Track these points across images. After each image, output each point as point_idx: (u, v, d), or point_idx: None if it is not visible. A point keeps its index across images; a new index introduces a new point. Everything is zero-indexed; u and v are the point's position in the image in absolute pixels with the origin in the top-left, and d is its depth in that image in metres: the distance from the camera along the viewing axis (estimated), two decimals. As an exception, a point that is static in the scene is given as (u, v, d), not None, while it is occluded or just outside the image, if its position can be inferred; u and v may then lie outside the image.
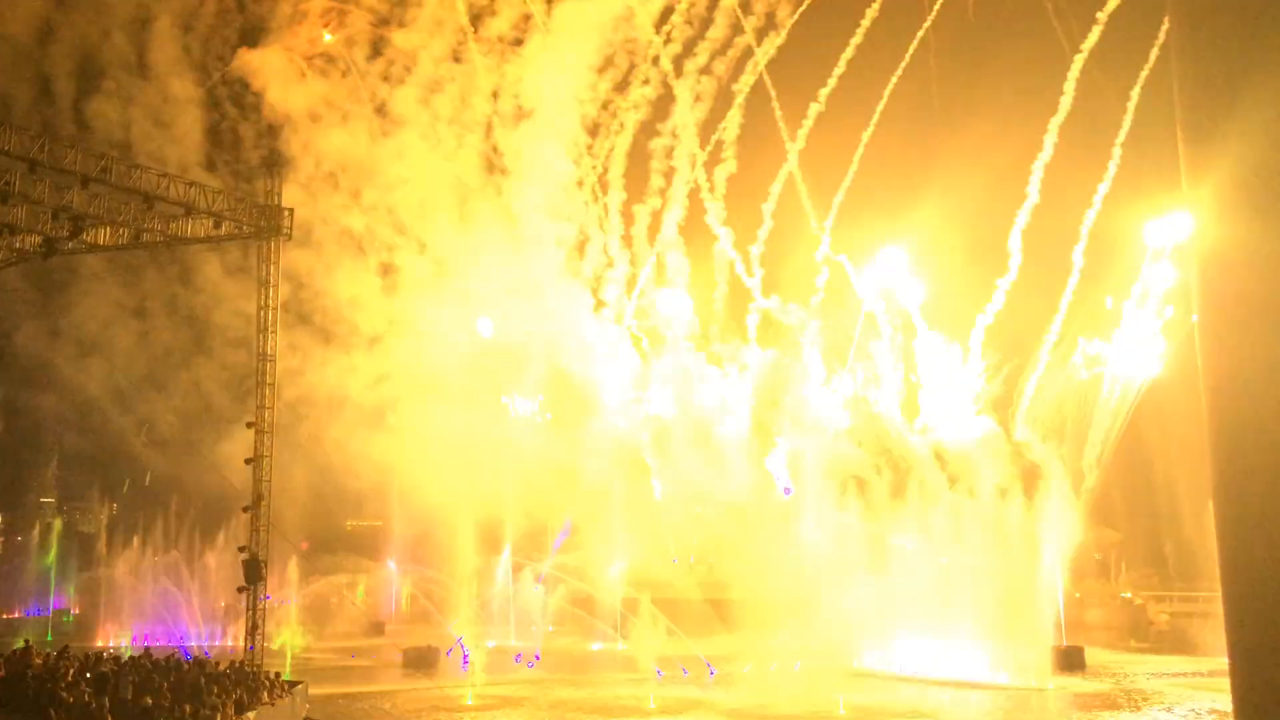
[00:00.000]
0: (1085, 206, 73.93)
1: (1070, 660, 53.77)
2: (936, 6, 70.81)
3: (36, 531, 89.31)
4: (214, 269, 67.43)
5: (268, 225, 41.38)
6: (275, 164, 42.18)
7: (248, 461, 41.21)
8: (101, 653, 40.84)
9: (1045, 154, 72.13)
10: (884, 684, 49.63)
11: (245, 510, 41.32)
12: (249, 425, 41.51)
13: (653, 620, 60.97)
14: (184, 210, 39.94)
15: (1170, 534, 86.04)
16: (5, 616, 75.96)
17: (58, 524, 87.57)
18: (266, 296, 41.95)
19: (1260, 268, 12.05)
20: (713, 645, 60.02)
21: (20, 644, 34.67)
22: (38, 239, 40.80)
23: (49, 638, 63.67)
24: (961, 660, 50.64)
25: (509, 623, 68.78)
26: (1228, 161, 12.55)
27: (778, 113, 75.13)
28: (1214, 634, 49.14)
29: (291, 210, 42.34)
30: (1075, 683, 50.44)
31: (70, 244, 41.29)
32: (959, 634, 51.26)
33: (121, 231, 41.78)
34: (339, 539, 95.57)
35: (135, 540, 73.26)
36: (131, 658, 35.56)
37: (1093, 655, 57.47)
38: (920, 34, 71.39)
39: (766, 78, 74.62)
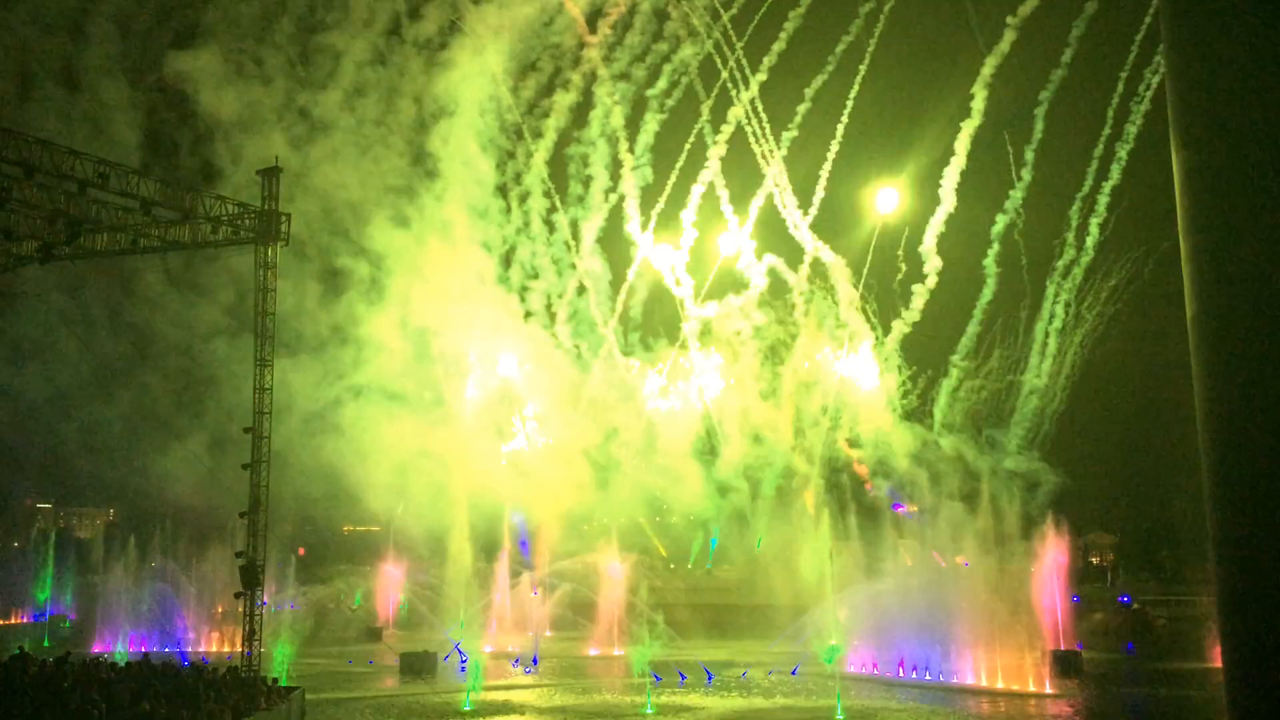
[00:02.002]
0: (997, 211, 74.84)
1: (1068, 665, 53.75)
2: (864, 11, 71.60)
3: (33, 536, 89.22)
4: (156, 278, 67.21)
5: (265, 230, 41.34)
6: (272, 169, 41.94)
7: (245, 466, 41.09)
8: (99, 659, 40.80)
9: (959, 159, 72.87)
10: (881, 688, 49.61)
11: (242, 516, 41.22)
12: (246, 431, 41.39)
13: (650, 625, 60.95)
14: (181, 216, 39.97)
15: (1168, 538, 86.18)
16: (1, 623, 75.81)
17: (54, 529, 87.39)
18: (264, 302, 41.88)
19: (1256, 264, 12.04)
20: (710, 650, 59.98)
21: (16, 650, 34.63)
22: (34, 244, 40.80)
23: (46, 644, 63.54)
24: (959, 664, 50.66)
25: (506, 627, 68.72)
26: (1222, 161, 12.57)
27: (705, 119, 75.72)
28: (1213, 637, 49.10)
29: (289, 215, 42.29)
30: (1073, 687, 50.39)
31: (67, 249, 41.29)
32: (956, 638, 51.26)
33: (119, 237, 41.76)
34: (336, 544, 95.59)
35: (132, 546, 73.16)
36: (129, 664, 35.51)
37: (1091, 659, 57.49)
38: (848, 39, 72.13)
39: (698, 84, 75.13)
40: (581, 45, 73.19)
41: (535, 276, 78.23)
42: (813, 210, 77.36)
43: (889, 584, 59.17)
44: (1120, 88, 70.17)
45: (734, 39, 73.72)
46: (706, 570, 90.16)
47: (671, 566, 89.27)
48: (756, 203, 78.13)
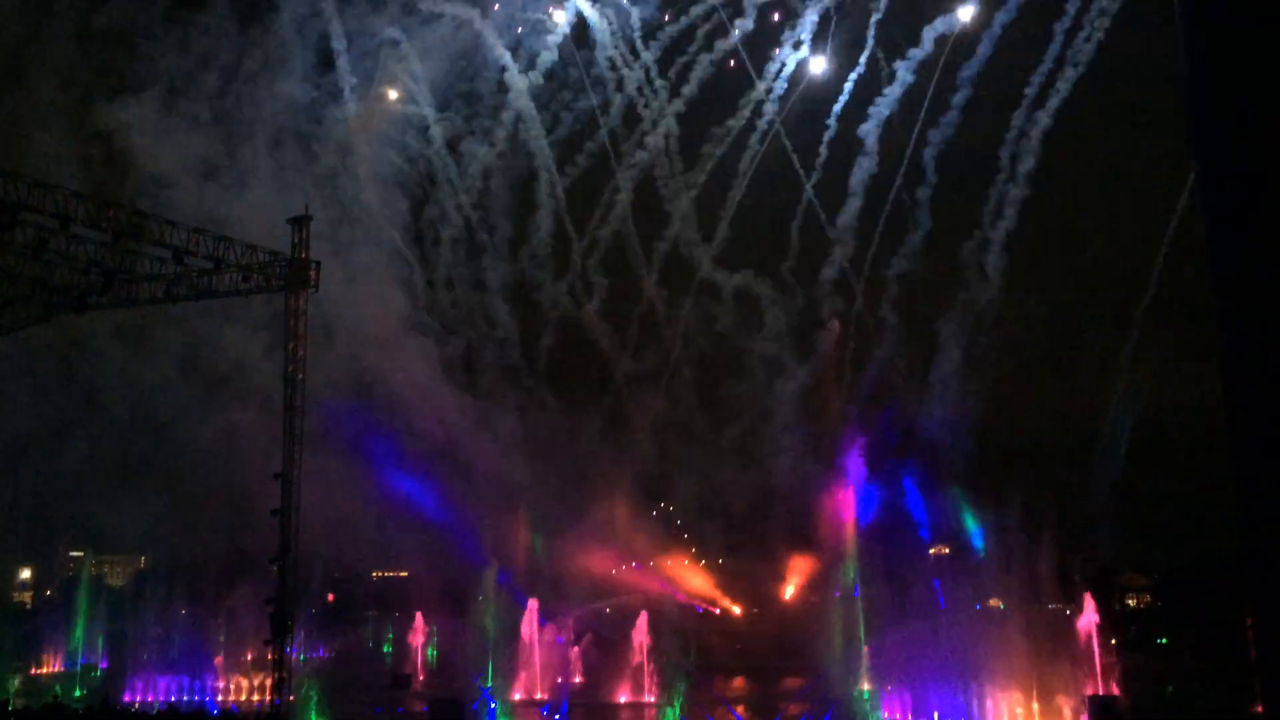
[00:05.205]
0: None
1: (1106, 710, 52.69)
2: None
3: (65, 585, 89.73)
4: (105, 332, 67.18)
5: (295, 278, 41.79)
6: (303, 217, 42.51)
7: (274, 513, 41.22)
8: (130, 707, 40.86)
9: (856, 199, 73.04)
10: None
11: (272, 563, 41.29)
12: (275, 477, 41.57)
13: (680, 670, 60.31)
14: (213, 265, 40.58)
15: (1207, 579, 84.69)
16: (34, 672, 76.02)
17: (86, 577, 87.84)
18: (294, 349, 42.26)
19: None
20: (742, 694, 59.25)
21: (50, 699, 34.74)
22: (70, 294, 41.49)
23: (77, 693, 63.61)
24: (994, 710, 49.80)
25: (535, 674, 68.17)
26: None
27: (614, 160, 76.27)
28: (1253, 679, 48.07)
29: (319, 263, 42.74)
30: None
31: (102, 299, 41.95)
32: (993, 681, 50.43)
33: (152, 286, 42.40)
34: (365, 590, 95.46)
35: (162, 593, 73.36)
36: (159, 712, 35.51)
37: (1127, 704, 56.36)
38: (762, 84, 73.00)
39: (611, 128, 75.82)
40: (503, 89, 74.38)
41: (452, 331, 78.30)
42: (716, 244, 77.40)
43: (922, 627, 58.36)
44: (1013, 129, 70.80)
45: (652, 80, 74.56)
46: (736, 613, 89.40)
47: (700, 611, 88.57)
48: (665, 245, 78.40)
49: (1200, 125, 12.85)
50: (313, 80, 72.89)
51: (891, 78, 70.89)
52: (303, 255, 41.93)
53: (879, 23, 70.96)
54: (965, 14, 68.98)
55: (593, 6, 72.91)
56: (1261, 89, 12.18)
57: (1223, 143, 12.65)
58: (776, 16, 72.96)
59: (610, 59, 73.75)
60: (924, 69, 70.41)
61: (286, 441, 41.55)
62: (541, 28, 73.41)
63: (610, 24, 73.25)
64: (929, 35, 69.57)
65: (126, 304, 44.41)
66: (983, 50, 69.35)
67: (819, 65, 73.01)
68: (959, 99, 70.50)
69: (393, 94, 74.28)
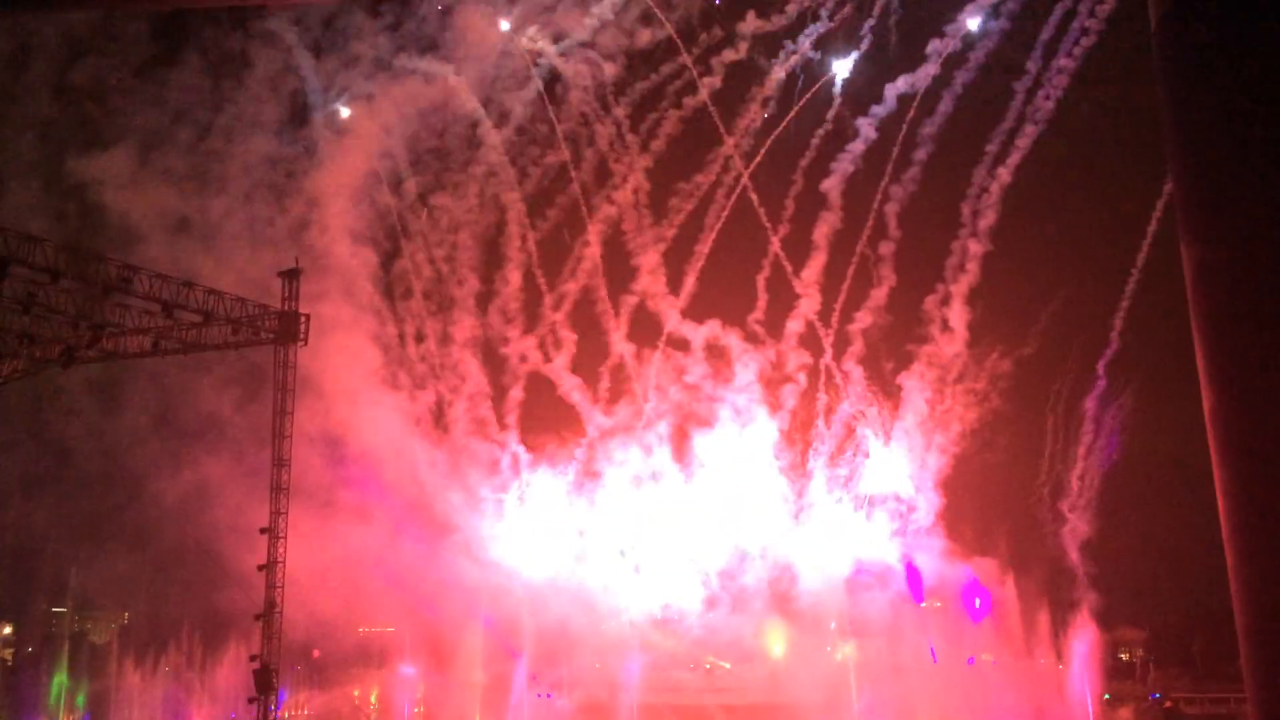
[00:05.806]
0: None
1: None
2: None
3: (47, 641, 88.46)
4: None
5: (284, 331, 41.85)
6: (293, 270, 42.65)
7: (261, 568, 40.91)
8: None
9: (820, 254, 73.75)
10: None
11: (257, 618, 40.90)
12: (262, 531, 41.31)
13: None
14: (203, 318, 40.58)
15: (1199, 633, 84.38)
16: (13, 733, 74.88)
17: (68, 633, 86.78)
18: (282, 401, 42.20)
19: (1268, 354, 11.98)
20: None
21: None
22: (57, 348, 41.39)
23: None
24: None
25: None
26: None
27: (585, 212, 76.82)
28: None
29: (308, 316, 42.81)
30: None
31: (89, 352, 41.85)
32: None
33: (141, 339, 42.36)
34: (351, 646, 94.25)
35: (145, 651, 72.41)
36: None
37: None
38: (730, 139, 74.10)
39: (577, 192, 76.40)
40: (474, 144, 75.03)
41: (421, 386, 77.65)
42: (683, 299, 77.25)
43: (914, 682, 57.96)
44: (974, 183, 71.78)
45: (623, 135, 75.30)
46: (726, 668, 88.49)
47: (690, 665, 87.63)
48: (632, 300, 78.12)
49: (1190, 214, 13.07)
50: (285, 134, 73.44)
51: (856, 134, 72.34)
52: (292, 308, 42.07)
53: (845, 81, 72.72)
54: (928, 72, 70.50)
55: (566, 63, 74.19)
56: (1242, 130, 12.40)
57: (1207, 195, 12.84)
58: (746, 73, 74.36)
59: (582, 114, 74.84)
60: (887, 125, 71.86)
61: (273, 496, 41.37)
62: (514, 83, 74.55)
63: (583, 80, 74.48)
64: (891, 93, 71.17)
65: (115, 358, 44.32)
66: (944, 108, 70.93)
67: (786, 122, 74.28)
68: (921, 155, 71.83)
69: (365, 147, 74.78)
